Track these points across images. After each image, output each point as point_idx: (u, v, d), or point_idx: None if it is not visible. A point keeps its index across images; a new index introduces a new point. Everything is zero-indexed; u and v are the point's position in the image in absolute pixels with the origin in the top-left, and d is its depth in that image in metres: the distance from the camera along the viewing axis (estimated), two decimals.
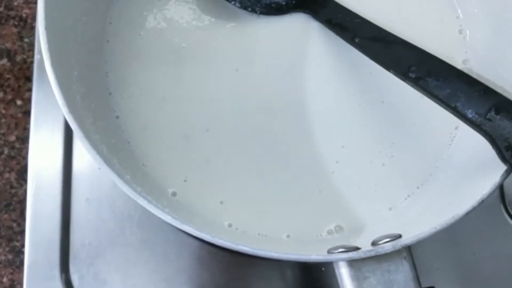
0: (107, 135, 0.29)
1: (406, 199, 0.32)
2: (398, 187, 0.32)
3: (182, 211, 0.30)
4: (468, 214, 0.24)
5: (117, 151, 0.29)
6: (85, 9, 0.31)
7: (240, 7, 0.34)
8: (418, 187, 0.32)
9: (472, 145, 0.30)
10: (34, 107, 0.37)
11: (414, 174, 0.32)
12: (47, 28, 0.25)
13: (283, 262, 0.37)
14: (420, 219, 0.28)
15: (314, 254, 0.23)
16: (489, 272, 0.35)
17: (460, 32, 0.34)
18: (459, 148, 0.32)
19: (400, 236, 0.24)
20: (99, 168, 0.25)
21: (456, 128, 0.33)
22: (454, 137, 0.32)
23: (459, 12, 0.34)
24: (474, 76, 0.32)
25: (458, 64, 0.34)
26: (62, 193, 0.35)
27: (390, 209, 0.32)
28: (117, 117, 0.32)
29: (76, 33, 0.30)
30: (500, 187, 0.38)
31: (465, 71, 0.33)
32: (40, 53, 0.37)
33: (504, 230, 0.36)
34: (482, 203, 0.24)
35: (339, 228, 0.31)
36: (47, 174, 0.36)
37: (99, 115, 0.30)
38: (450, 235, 0.36)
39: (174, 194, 0.31)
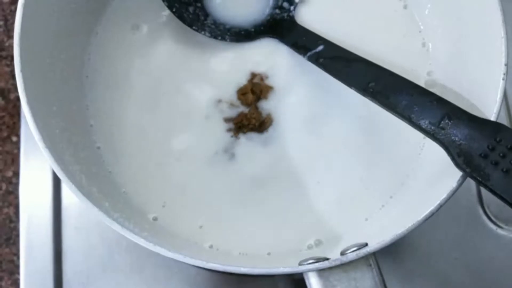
0: (88, 165, 0.30)
1: (380, 209, 0.33)
2: (374, 198, 0.33)
3: (163, 235, 0.31)
4: (427, 219, 0.25)
5: (98, 180, 0.30)
6: (62, 47, 0.32)
7: (210, 37, 0.35)
8: (391, 197, 0.33)
9: (438, 154, 0.31)
10: (23, 141, 0.39)
11: (388, 184, 0.33)
12: (23, 70, 0.27)
13: (275, 280, 0.38)
14: (391, 227, 0.29)
15: (282, 266, 0.24)
16: (471, 276, 0.36)
17: (423, 45, 0.36)
18: (427, 157, 0.33)
19: (366, 244, 0.25)
20: None
21: (424, 137, 0.34)
22: (423, 146, 0.33)
23: (421, 25, 0.36)
24: (438, 86, 0.34)
25: (423, 76, 0.35)
26: (53, 224, 0.37)
27: (366, 219, 0.33)
28: (98, 147, 0.33)
29: (54, 71, 0.31)
30: (478, 191, 0.39)
31: (430, 82, 0.35)
32: None
33: (483, 233, 0.37)
34: (440, 208, 0.25)
35: (318, 242, 0.32)
36: (37, 206, 0.37)
37: (80, 146, 0.31)
38: (431, 241, 0.37)
39: (155, 219, 0.32)
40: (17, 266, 0.52)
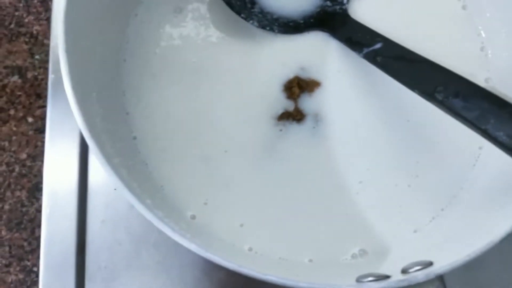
0: (126, 157, 0.28)
1: (430, 221, 0.31)
2: (423, 208, 0.31)
3: (201, 235, 0.29)
4: (502, 240, 0.23)
5: (136, 173, 0.28)
6: (102, 29, 0.30)
7: (258, 27, 0.33)
8: (442, 209, 0.31)
9: (497, 166, 0.30)
10: (48, 125, 0.37)
11: (439, 195, 0.31)
12: (67, 51, 0.24)
13: None
14: (447, 244, 0.28)
15: (344, 284, 0.23)
16: None
17: (482, 49, 0.34)
18: (484, 169, 0.31)
19: (431, 263, 0.23)
20: (115, 189, 0.25)
21: (480, 148, 0.32)
22: (478, 156, 0.32)
23: (480, 29, 0.34)
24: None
25: (480, 82, 0.33)
26: (78, 214, 0.35)
27: (414, 231, 0.31)
28: (135, 138, 0.31)
29: (94, 53, 0.29)
30: None
31: (488, 89, 0.33)
32: (55, 73, 0.37)
33: None
34: None
35: (363, 252, 0.30)
36: (62, 194, 0.35)
37: (117, 136, 0.29)
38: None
39: (193, 217, 0.30)
40: (27, 252, 0.50)
